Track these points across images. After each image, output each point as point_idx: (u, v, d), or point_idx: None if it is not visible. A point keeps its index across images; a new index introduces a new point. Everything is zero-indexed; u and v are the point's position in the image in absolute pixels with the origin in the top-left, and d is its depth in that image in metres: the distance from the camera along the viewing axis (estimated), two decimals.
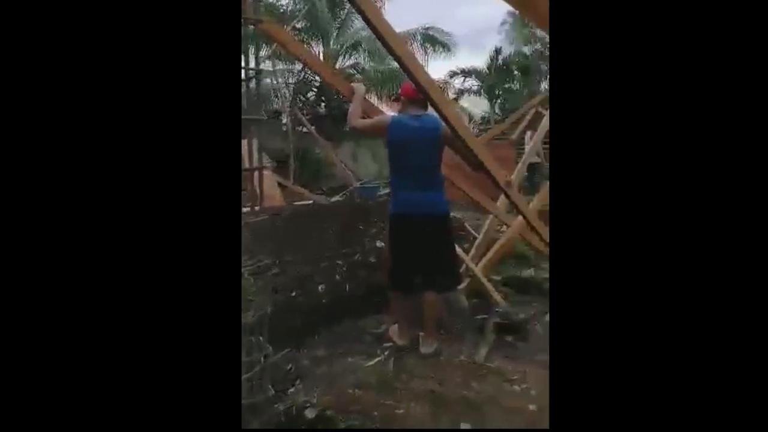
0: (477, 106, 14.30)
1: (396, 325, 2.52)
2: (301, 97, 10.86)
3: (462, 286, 2.93)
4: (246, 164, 4.15)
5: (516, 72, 14.09)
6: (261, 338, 1.68)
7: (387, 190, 6.81)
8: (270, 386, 1.67)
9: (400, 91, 2.54)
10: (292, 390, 2.02)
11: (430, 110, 2.40)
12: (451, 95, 13.96)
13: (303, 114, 9.00)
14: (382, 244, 3.66)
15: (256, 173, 4.08)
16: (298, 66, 10.14)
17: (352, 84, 2.59)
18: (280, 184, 5.60)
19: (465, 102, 14.22)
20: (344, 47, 11.22)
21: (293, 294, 2.92)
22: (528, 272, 3.39)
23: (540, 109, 6.16)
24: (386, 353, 2.39)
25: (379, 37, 2.04)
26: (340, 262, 3.44)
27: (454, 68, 14.39)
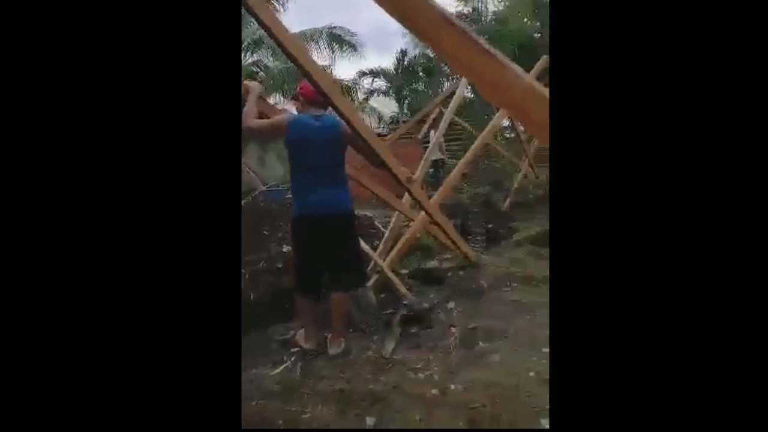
0: (386, 106, 14.63)
1: (302, 330, 2.47)
2: None
3: (370, 282, 2.97)
4: None
5: (421, 73, 14.66)
6: None
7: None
8: None
9: (298, 90, 2.49)
10: None
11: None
12: (361, 95, 14.12)
13: None
14: (289, 248, 3.58)
15: None
16: None
17: (245, 82, 2.46)
18: None
19: (374, 102, 14.47)
20: (245, 44, 10.77)
21: None
22: (432, 263, 3.53)
23: (442, 109, 6.46)
24: (293, 359, 2.33)
25: (273, 37, 1.98)
26: (242, 270, 3.29)
27: (363, 69, 14.59)
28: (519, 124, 6.25)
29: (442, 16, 1.05)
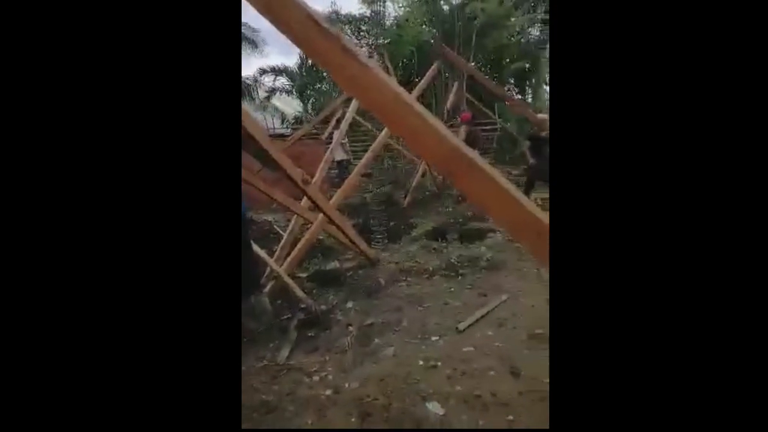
0: (289, 105, 14.32)
1: None
2: None
3: (266, 289, 2.91)
4: None
5: (324, 73, 14.58)
6: None
7: None
8: None
9: None
10: None
11: None
12: (263, 93, 13.64)
13: None
14: None
15: None
16: None
17: None
18: None
19: (277, 101, 14.08)
20: None
21: None
22: (332, 264, 3.57)
23: (345, 109, 6.52)
24: None
25: None
26: None
27: (264, 66, 14.08)
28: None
29: (312, 20, 1.08)
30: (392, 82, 1.11)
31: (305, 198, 3.33)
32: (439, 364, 2.12)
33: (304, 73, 14.22)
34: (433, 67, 5.69)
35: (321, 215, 3.36)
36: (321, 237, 3.87)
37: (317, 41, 1.09)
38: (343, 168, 8.45)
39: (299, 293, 2.89)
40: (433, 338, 2.42)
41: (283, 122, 13.49)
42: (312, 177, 2.99)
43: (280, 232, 4.12)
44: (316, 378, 2.11)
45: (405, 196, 6.52)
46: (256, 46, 12.09)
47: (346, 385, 2.01)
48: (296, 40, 1.12)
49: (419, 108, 1.08)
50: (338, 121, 7.53)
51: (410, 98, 1.10)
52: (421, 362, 2.16)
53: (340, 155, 8.18)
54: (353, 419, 1.78)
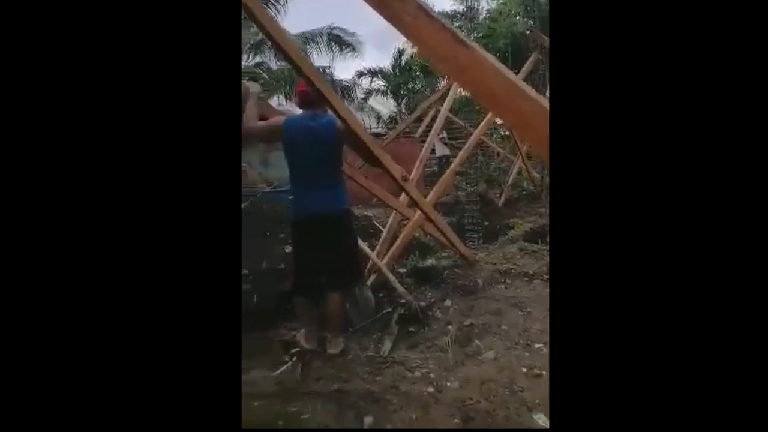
0: (384, 105, 14.64)
1: (303, 330, 2.51)
2: None
3: (369, 282, 3.02)
4: None
5: (418, 72, 14.66)
6: None
7: None
8: None
9: (295, 91, 2.52)
10: None
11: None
12: (360, 95, 14.13)
13: None
14: (289, 249, 3.62)
15: None
16: None
17: (244, 83, 2.50)
18: None
19: (373, 102, 14.48)
20: (247, 46, 10.78)
21: None
22: (430, 261, 3.58)
23: (438, 107, 6.49)
24: (294, 359, 2.38)
25: (268, 35, 2.03)
26: (246, 271, 3.34)
27: (361, 68, 14.57)
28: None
29: (424, 11, 1.09)
30: (505, 69, 1.07)
31: (403, 194, 3.39)
32: (544, 373, 2.02)
33: (398, 73, 14.43)
34: (530, 59, 5.40)
35: (418, 212, 3.39)
36: (416, 234, 3.90)
37: (429, 32, 1.09)
38: (443, 164, 8.43)
39: (400, 288, 2.95)
40: (536, 345, 2.31)
41: (378, 122, 13.84)
42: (409, 174, 3.03)
43: (379, 227, 4.24)
44: (417, 374, 2.13)
45: (500, 195, 6.30)
46: (355, 50, 12.53)
47: (448, 384, 2.01)
48: (408, 33, 1.13)
49: (535, 95, 1.03)
50: (433, 119, 7.51)
51: (525, 86, 1.05)
52: (524, 369, 2.08)
53: (441, 151, 8.16)
54: (456, 420, 1.77)
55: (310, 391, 2.05)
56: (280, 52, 2.15)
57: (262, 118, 2.54)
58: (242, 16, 1.88)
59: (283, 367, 2.32)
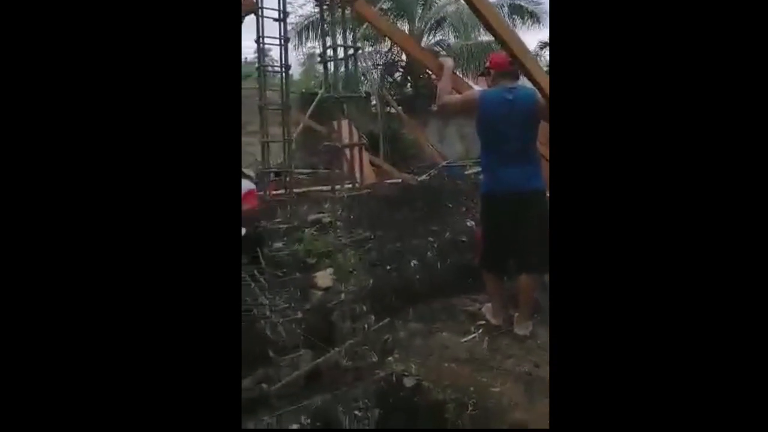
0: None
1: (490, 304, 2.49)
2: (389, 78, 10.93)
3: None
4: (344, 141, 4.31)
5: None
6: (364, 308, 1.78)
7: (474, 170, 6.64)
8: (372, 353, 1.77)
9: (487, 64, 2.44)
10: (390, 359, 2.12)
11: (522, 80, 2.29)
12: (543, 68, 13.04)
13: (390, 94, 9.07)
14: (473, 223, 3.61)
15: (354, 150, 4.22)
16: (385, 47, 10.18)
17: (440, 59, 2.54)
18: (371, 162, 5.75)
19: None
20: (429, 24, 11.01)
21: (388, 268, 3.02)
22: None
23: None
24: (480, 331, 2.38)
25: (472, 6, 1.99)
26: (431, 239, 3.47)
27: (544, 39, 13.38)
28: None
29: None
30: None
31: None
32: None
33: None
34: None
35: None
36: None
37: None
38: None
39: None
40: None
41: None
42: None
43: None
44: None
45: None
46: (538, 20, 11.54)
47: None
48: None
49: None
50: None
51: None
52: None
53: None
54: None
55: (500, 367, 2.03)
56: (480, 18, 2.07)
57: (455, 92, 2.53)
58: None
59: (469, 337, 2.35)
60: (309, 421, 1.77)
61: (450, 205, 4.08)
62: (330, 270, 3.18)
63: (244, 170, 3.61)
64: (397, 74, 11.22)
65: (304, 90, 8.06)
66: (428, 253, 3.36)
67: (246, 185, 3.29)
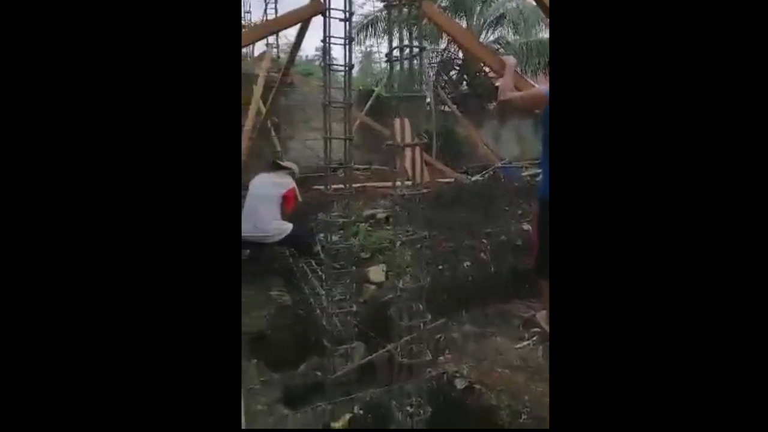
0: None
1: (544, 312, 2.42)
2: (444, 76, 10.83)
3: None
4: (402, 140, 4.32)
5: None
6: (420, 306, 1.78)
7: (530, 172, 6.43)
8: (427, 351, 1.77)
9: None
10: (441, 358, 2.11)
11: None
12: None
13: (445, 93, 8.98)
14: (529, 227, 3.51)
15: (408, 150, 4.24)
16: (441, 45, 10.08)
17: (502, 57, 2.50)
18: (425, 162, 5.75)
19: None
20: (487, 22, 10.78)
21: (440, 267, 3.01)
22: None
23: None
24: (534, 338, 2.32)
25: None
26: (485, 240, 3.41)
27: None
28: None
29: None
30: None
31: None
32: None
33: None
34: None
35: None
36: None
37: None
38: None
39: None
40: None
41: None
42: None
43: None
44: None
45: None
46: None
47: None
48: None
49: None
50: None
51: None
52: None
53: None
54: None
55: None
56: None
57: (516, 89, 2.49)
58: None
59: (524, 343, 2.29)
60: (362, 411, 1.81)
61: (506, 208, 3.99)
62: (383, 266, 3.22)
63: (286, 163, 3.70)
64: (452, 72, 11.09)
65: (361, 87, 8.15)
66: (482, 254, 3.31)
67: (287, 182, 3.35)
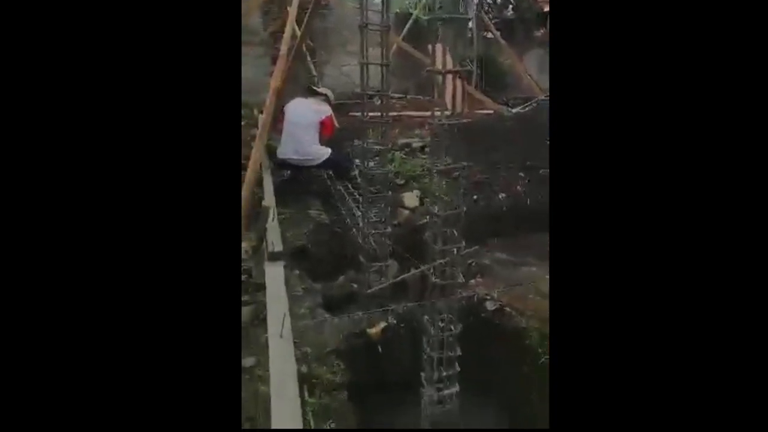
0: None
1: None
2: (488, 0, 10.00)
3: None
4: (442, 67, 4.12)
5: None
6: (455, 232, 1.81)
7: None
8: (460, 274, 1.83)
9: None
10: (473, 281, 2.18)
11: None
12: None
13: (489, 18, 8.33)
14: None
15: (452, 77, 4.04)
16: None
17: None
18: (464, 91, 5.50)
19: None
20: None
21: (474, 198, 2.99)
22: None
23: None
24: None
25: None
26: (522, 174, 3.34)
27: None
28: None
29: None
30: None
31: None
32: None
33: None
34: None
35: None
36: None
37: None
38: None
39: None
40: None
41: None
42: None
43: None
44: None
45: None
46: None
47: None
48: None
49: None
50: None
51: None
52: None
53: None
54: None
55: None
56: None
57: None
58: None
59: None
60: (395, 322, 1.92)
61: (548, 141, 3.84)
62: (417, 192, 3.24)
63: (322, 89, 3.62)
64: None
65: (398, 10, 7.65)
66: (518, 187, 3.26)
67: (324, 109, 3.31)
